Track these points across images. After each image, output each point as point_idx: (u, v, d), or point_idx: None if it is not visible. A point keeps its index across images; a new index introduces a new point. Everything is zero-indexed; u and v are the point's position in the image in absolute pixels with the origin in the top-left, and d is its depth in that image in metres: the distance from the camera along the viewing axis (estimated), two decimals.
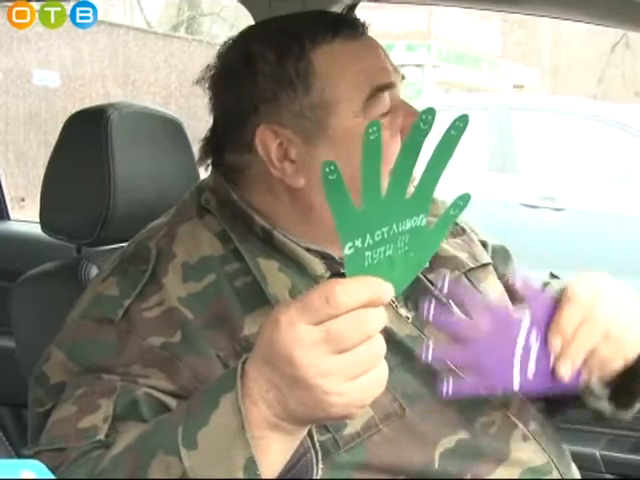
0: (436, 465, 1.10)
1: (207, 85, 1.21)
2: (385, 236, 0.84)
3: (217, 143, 1.22)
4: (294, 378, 0.82)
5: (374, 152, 0.84)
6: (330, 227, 1.09)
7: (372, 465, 1.09)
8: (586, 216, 5.03)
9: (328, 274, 1.15)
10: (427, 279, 1.24)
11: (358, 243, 0.83)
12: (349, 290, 0.82)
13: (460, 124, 0.86)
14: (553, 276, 1.40)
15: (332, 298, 0.81)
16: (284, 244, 1.16)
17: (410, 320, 1.19)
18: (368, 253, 0.83)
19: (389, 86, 1.15)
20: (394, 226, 0.84)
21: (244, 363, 0.88)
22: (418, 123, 0.85)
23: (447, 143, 0.86)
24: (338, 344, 0.82)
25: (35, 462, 0.88)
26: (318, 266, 1.15)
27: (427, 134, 0.85)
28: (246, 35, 1.23)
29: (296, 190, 1.16)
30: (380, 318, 0.84)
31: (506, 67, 16.44)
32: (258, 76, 1.15)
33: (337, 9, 1.81)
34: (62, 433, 1.02)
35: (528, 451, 1.17)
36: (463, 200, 0.89)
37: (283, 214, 1.18)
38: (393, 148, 1.08)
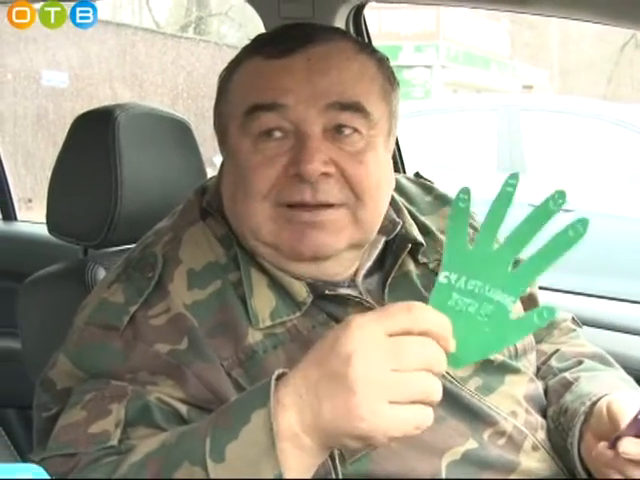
0: (443, 476, 1.09)
1: None
2: (476, 290, 0.86)
3: None
4: (340, 377, 0.82)
5: (506, 202, 0.89)
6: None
7: (377, 476, 1.07)
8: (595, 217, 4.99)
9: (310, 298, 1.13)
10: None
11: (453, 277, 0.86)
12: (431, 312, 0.84)
13: (580, 228, 0.88)
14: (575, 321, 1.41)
15: (415, 309, 0.83)
16: (265, 267, 1.15)
17: None
18: (455, 295, 0.86)
19: (268, 107, 1.10)
20: (487, 287, 0.87)
21: (278, 378, 0.88)
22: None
23: (563, 243, 0.88)
24: (399, 361, 0.82)
25: (33, 466, 0.87)
26: (301, 290, 1.13)
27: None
28: None
29: None
30: (443, 367, 0.85)
31: (515, 68, 16.39)
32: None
33: (345, 10, 1.80)
34: (72, 438, 1.01)
35: (537, 461, 1.16)
36: (548, 312, 0.88)
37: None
38: (265, 178, 1.09)
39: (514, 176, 0.88)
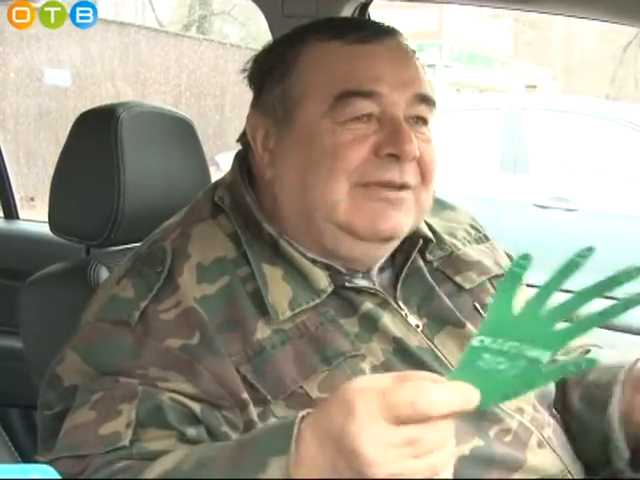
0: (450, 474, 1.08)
1: None
2: (512, 351, 0.83)
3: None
4: (359, 472, 0.80)
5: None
6: (295, 223, 1.15)
7: None
8: (599, 217, 5.00)
9: (331, 288, 1.14)
10: (454, 281, 1.25)
11: (487, 342, 0.83)
12: (437, 400, 0.80)
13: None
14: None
15: (418, 405, 0.79)
16: (289, 253, 1.15)
17: (420, 329, 1.18)
18: (487, 356, 0.83)
19: (364, 94, 1.12)
20: (524, 347, 0.83)
21: (300, 422, 0.86)
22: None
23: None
24: (418, 450, 0.80)
25: (44, 467, 0.86)
26: (322, 279, 1.14)
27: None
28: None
29: (269, 182, 1.18)
30: (453, 422, 0.83)
31: (518, 67, 16.38)
32: (256, 69, 1.22)
33: (350, 8, 1.79)
34: (82, 440, 1.01)
35: (543, 458, 1.16)
36: (588, 363, 0.85)
37: (270, 211, 1.18)
38: (354, 157, 1.11)
39: (589, 249, 0.85)
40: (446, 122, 5.64)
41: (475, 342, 0.83)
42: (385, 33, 1.18)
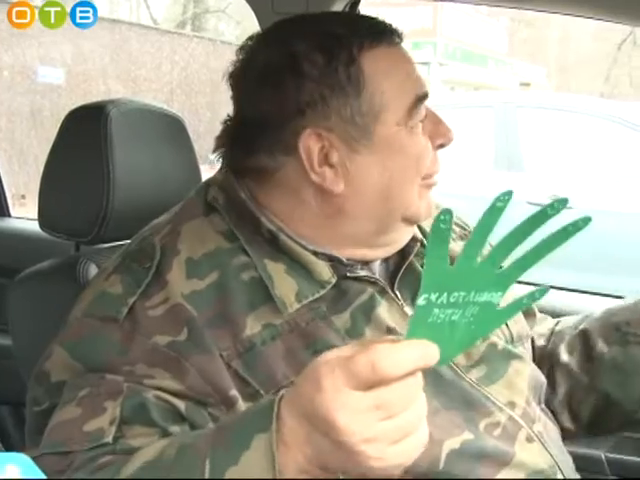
0: (441, 466, 1.09)
1: (233, 82, 1.20)
2: (459, 300, 0.84)
3: (244, 141, 1.18)
4: (337, 442, 0.81)
5: (494, 218, 0.85)
6: (350, 232, 1.16)
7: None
8: (594, 214, 4.99)
9: (335, 279, 1.14)
10: None
11: (433, 297, 0.83)
12: (396, 359, 0.80)
13: (581, 224, 0.88)
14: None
15: (378, 366, 0.80)
16: (290, 247, 1.15)
17: None
18: (436, 310, 0.83)
19: (427, 95, 1.17)
20: (472, 294, 0.84)
21: (279, 401, 0.86)
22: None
23: (558, 238, 0.86)
24: (387, 411, 0.81)
25: (21, 456, 0.86)
26: (324, 270, 1.15)
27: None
28: (285, 34, 1.18)
29: (331, 195, 1.14)
30: (421, 379, 0.84)
31: (513, 65, 16.41)
32: (305, 79, 1.11)
33: (340, 5, 1.79)
34: (66, 437, 1.00)
35: (532, 453, 1.16)
36: (540, 293, 0.87)
37: (304, 217, 1.16)
38: (429, 156, 1.17)
39: (507, 193, 0.86)
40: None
41: (421, 301, 0.82)
42: (400, 32, 1.20)
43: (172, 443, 0.94)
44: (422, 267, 1.24)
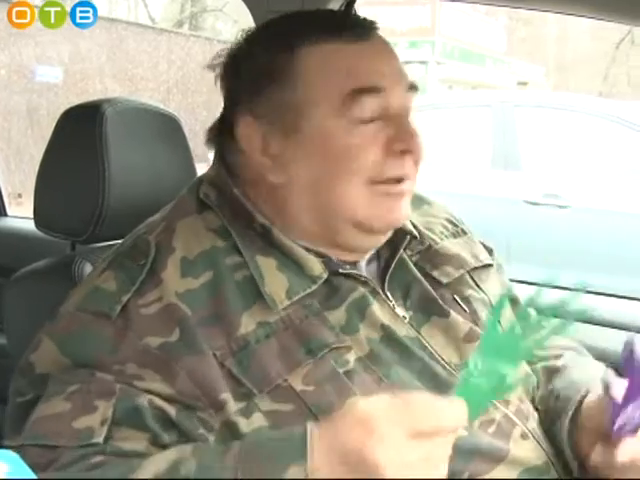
0: None
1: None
2: (490, 368, 0.95)
3: (221, 136, 1.23)
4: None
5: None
6: (303, 228, 1.16)
7: None
8: (590, 213, 5.00)
9: (326, 274, 1.15)
10: (432, 276, 1.25)
11: (479, 362, 0.95)
12: (453, 414, 0.89)
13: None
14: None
15: (441, 418, 0.87)
16: (282, 242, 1.15)
17: (407, 320, 1.19)
18: (475, 374, 0.94)
19: (372, 90, 1.13)
20: (499, 364, 0.95)
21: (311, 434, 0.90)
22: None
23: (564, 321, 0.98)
24: (428, 464, 0.87)
25: (10, 453, 0.84)
26: (316, 266, 1.15)
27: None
28: (250, 31, 1.24)
29: (274, 187, 1.16)
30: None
31: (511, 64, 16.41)
32: (243, 69, 1.18)
33: (336, 4, 1.79)
34: (54, 430, 1.00)
35: (527, 450, 1.16)
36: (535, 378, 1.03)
37: (272, 210, 1.18)
38: (370, 156, 1.12)
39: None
40: (438, 119, 5.65)
41: (470, 365, 0.94)
42: (371, 28, 1.18)
43: (185, 458, 0.94)
44: (412, 261, 1.25)
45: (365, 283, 1.17)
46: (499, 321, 0.98)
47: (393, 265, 1.22)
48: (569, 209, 5.06)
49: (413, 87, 1.19)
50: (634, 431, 1.07)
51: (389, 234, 1.21)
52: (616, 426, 1.06)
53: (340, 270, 1.16)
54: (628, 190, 5.04)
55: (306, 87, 1.14)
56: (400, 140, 1.13)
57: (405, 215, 1.18)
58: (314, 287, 1.13)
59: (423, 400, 0.89)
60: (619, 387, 1.06)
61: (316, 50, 1.15)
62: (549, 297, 0.97)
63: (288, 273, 1.13)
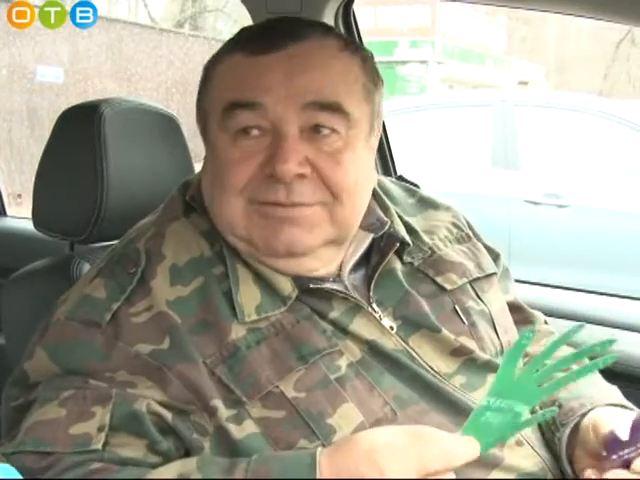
0: None
1: None
2: (504, 407, 0.97)
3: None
4: None
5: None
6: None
7: None
8: (590, 213, 5.00)
9: (296, 293, 1.13)
10: (435, 282, 1.24)
11: (492, 401, 0.96)
12: (463, 452, 0.92)
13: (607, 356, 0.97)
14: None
15: (452, 458, 0.91)
16: (249, 263, 1.14)
17: (395, 330, 1.17)
18: (489, 413, 0.96)
19: (247, 105, 1.09)
20: (513, 403, 0.97)
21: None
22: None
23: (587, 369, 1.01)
24: None
25: (5, 465, 0.85)
26: (286, 285, 1.13)
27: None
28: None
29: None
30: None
31: (511, 64, 16.40)
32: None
33: (334, 4, 1.79)
34: (50, 436, 0.99)
35: (522, 456, 1.15)
36: (551, 412, 1.01)
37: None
38: (245, 174, 1.09)
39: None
40: (438, 118, 5.65)
41: (484, 402, 0.97)
42: (292, 39, 1.12)
43: (190, 473, 0.95)
44: (404, 263, 1.23)
45: (345, 299, 1.14)
46: (517, 359, 0.98)
47: (378, 272, 1.19)
48: (569, 208, 5.06)
49: (325, 105, 1.10)
50: (626, 466, 1.06)
51: (321, 256, 1.15)
52: (612, 458, 1.05)
53: (311, 285, 1.13)
54: (628, 189, 5.04)
55: (207, 97, 1.16)
56: (268, 163, 1.08)
57: (294, 242, 1.10)
58: (283, 309, 1.12)
59: (434, 437, 0.91)
60: (625, 423, 1.05)
61: (225, 61, 1.15)
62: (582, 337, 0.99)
63: (261, 290, 1.13)
